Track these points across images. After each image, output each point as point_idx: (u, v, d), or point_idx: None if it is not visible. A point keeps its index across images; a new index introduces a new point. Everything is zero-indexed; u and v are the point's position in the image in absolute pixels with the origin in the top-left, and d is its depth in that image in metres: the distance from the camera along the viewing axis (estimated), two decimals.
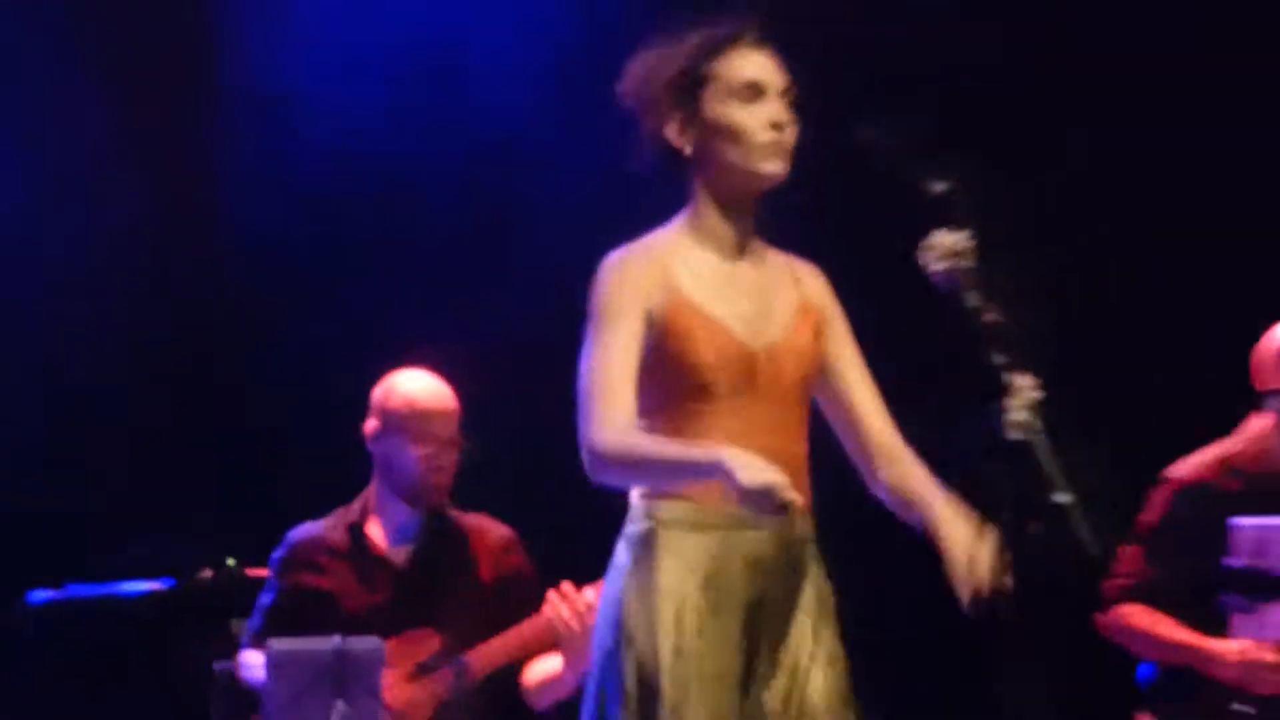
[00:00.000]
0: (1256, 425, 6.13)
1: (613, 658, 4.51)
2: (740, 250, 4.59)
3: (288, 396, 7.04)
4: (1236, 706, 5.87)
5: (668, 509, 4.43)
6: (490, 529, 6.07)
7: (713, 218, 4.57)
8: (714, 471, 4.20)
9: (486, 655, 5.81)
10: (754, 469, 4.22)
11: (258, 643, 5.89)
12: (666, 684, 4.47)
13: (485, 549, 6.05)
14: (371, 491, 6.01)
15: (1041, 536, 4.18)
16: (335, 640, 5.46)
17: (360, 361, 6.19)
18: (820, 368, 4.62)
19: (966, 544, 4.36)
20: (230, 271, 7.62)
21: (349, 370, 6.24)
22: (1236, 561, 5.75)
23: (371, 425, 5.97)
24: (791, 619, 4.53)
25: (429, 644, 5.80)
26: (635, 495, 4.49)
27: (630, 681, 4.51)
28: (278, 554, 5.99)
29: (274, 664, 5.47)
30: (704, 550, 4.45)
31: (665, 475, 4.43)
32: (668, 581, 4.42)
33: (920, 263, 4.30)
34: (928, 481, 4.57)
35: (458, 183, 7.49)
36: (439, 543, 6.02)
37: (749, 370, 4.51)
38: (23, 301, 7.38)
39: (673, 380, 4.47)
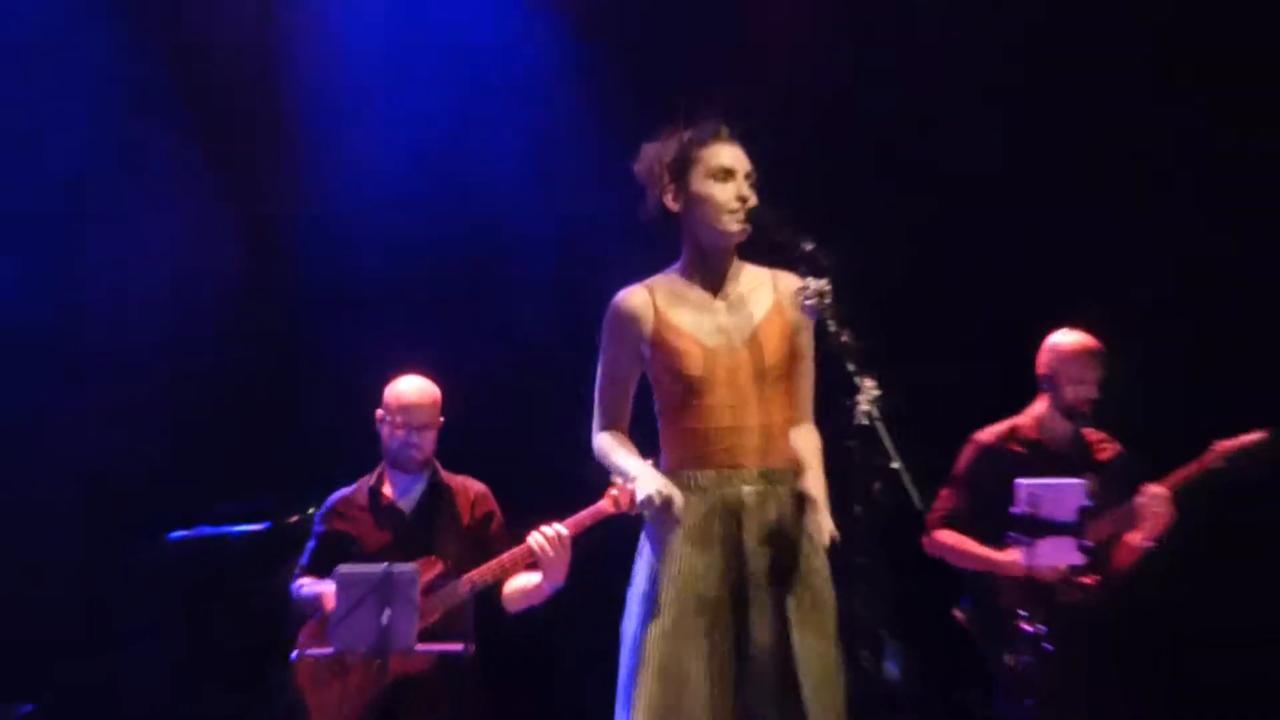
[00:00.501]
0: (1038, 406, 6.89)
1: (640, 589, 5.05)
2: (718, 279, 5.17)
3: (343, 394, 7.25)
4: (1026, 626, 6.46)
5: (676, 478, 5.02)
6: (470, 485, 6.68)
7: (695, 260, 5.18)
8: (631, 481, 5.01)
9: (481, 573, 6.40)
10: (643, 488, 4.95)
11: (306, 572, 6.58)
12: (667, 595, 5.00)
13: (466, 500, 6.65)
14: (383, 463, 6.66)
15: (882, 492, 4.74)
16: (384, 565, 6.11)
17: (391, 367, 6.74)
18: (790, 349, 5.14)
19: (814, 506, 4.99)
20: (301, 301, 8.06)
21: (386, 374, 6.74)
22: (1018, 510, 6.37)
23: (378, 413, 6.62)
24: (776, 559, 5.01)
25: (434, 568, 6.40)
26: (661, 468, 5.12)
27: (647, 591, 5.06)
28: (320, 511, 6.65)
29: (340, 583, 6.10)
30: (697, 503, 5.02)
31: (618, 473, 5.14)
32: (675, 543, 5.02)
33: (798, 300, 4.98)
34: (809, 451, 5.13)
35: (459, 237, 7.99)
36: (433, 497, 6.65)
37: (728, 367, 5.12)
38: (155, 322, 7.90)
39: (670, 383, 5.15)
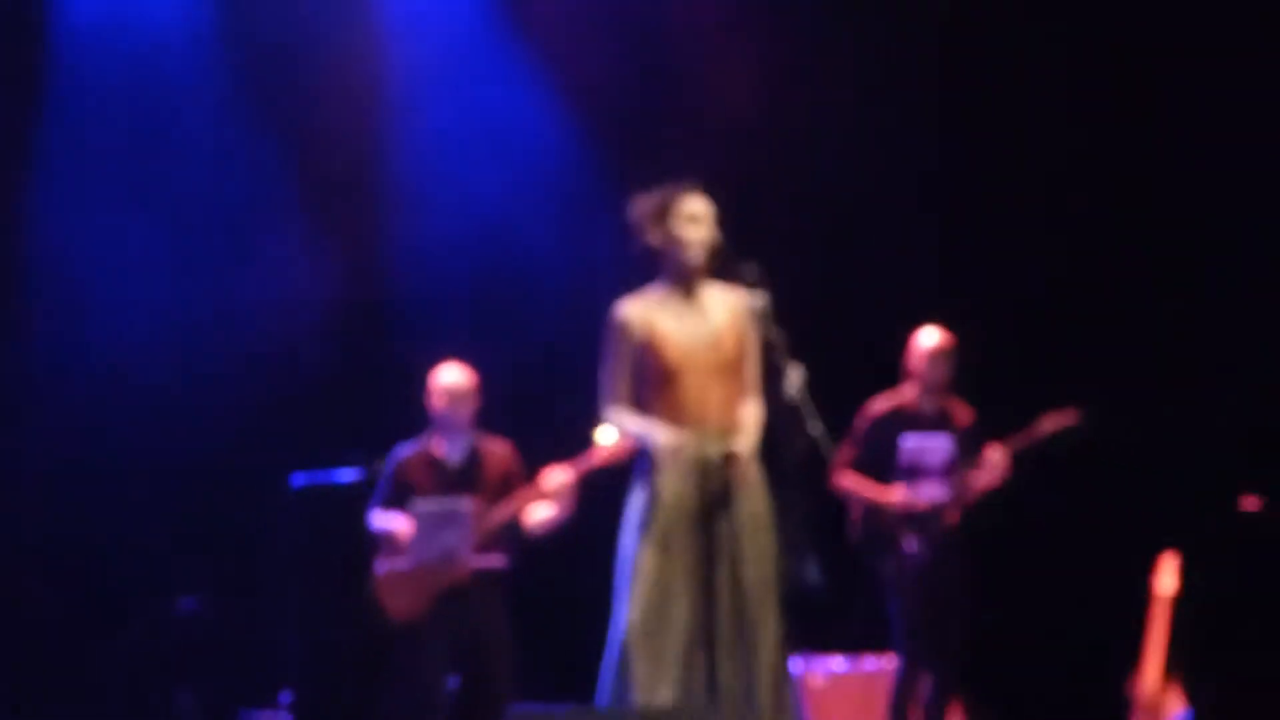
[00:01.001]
0: (910, 387, 7.46)
1: (635, 516, 5.51)
2: (692, 293, 5.60)
3: (413, 376, 7.36)
4: (908, 548, 7.13)
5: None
6: (499, 444, 7.10)
7: (673, 281, 5.63)
8: (649, 440, 5.49)
9: (508, 507, 6.87)
10: (659, 440, 5.40)
11: (378, 509, 6.98)
12: (659, 520, 5.46)
13: (496, 456, 7.08)
14: (433, 429, 7.09)
15: (805, 449, 5.31)
16: (447, 500, 6.82)
17: (450, 355, 7.17)
18: (741, 348, 5.55)
19: (734, 459, 5.43)
20: (388, 306, 8.69)
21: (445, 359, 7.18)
22: (903, 461, 7.23)
23: (428, 396, 7.08)
24: (734, 504, 5.40)
25: (474, 508, 6.87)
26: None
27: (641, 518, 5.52)
28: (388, 466, 7.06)
29: (416, 515, 6.83)
30: (675, 462, 5.46)
31: (637, 435, 5.59)
32: (657, 489, 5.49)
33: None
34: (748, 420, 5.56)
35: (502, 266, 8.49)
36: (472, 454, 7.05)
37: (696, 361, 5.51)
38: (278, 326, 8.50)
39: (654, 373, 5.56)
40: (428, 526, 6.90)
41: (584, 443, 6.49)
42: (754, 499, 5.60)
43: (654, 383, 5.63)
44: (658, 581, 5.45)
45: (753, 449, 5.59)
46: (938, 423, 7.44)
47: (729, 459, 5.49)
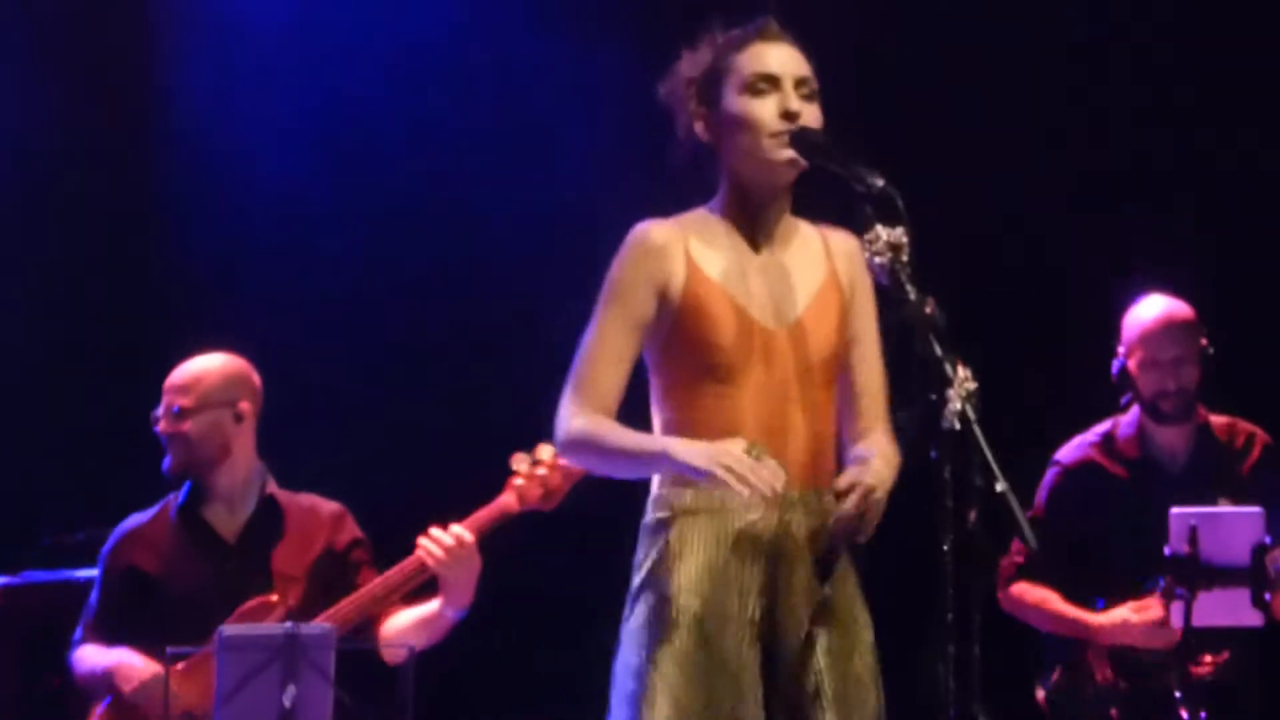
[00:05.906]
0: (1127, 417, 5.31)
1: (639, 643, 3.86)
2: (765, 233, 3.92)
3: None
4: (1102, 681, 5.17)
5: (682, 497, 3.81)
6: (321, 505, 5.22)
7: (737, 204, 3.91)
8: (663, 460, 3.67)
9: (347, 608, 4.97)
10: (700, 455, 3.65)
11: (91, 633, 5.11)
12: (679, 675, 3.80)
13: (316, 523, 5.22)
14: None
15: (980, 524, 3.51)
16: (286, 625, 4.67)
17: None
18: (847, 337, 3.94)
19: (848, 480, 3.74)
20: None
21: None
22: (1171, 550, 4.85)
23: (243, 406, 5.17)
24: (810, 598, 3.85)
25: (272, 613, 5.01)
26: (655, 487, 3.84)
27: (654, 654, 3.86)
28: (106, 547, 5.12)
29: (225, 648, 4.60)
30: (715, 535, 3.83)
31: (623, 465, 3.83)
32: (684, 581, 3.82)
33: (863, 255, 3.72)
34: (880, 456, 3.86)
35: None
36: (267, 518, 5.17)
37: (768, 351, 3.82)
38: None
39: (693, 359, 3.80)
40: (246, 671, 4.64)
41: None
42: (851, 593, 3.96)
43: (691, 376, 3.92)
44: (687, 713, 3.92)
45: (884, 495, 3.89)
46: (1193, 475, 5.17)
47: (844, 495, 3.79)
